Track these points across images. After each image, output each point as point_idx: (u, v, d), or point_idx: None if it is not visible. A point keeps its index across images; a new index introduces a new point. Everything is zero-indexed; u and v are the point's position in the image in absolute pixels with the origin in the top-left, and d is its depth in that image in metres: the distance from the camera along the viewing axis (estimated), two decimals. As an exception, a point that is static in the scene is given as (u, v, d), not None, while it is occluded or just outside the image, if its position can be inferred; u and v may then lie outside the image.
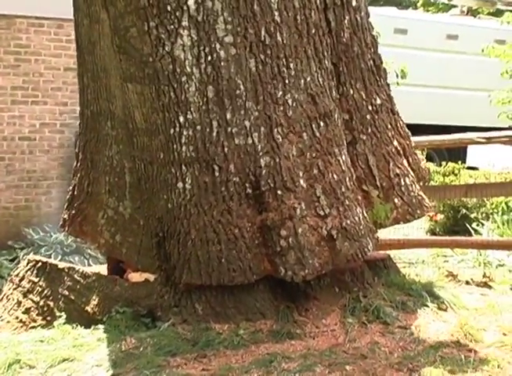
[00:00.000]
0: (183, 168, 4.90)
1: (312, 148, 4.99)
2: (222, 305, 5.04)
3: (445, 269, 7.22)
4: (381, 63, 5.59)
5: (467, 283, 6.56)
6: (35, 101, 12.27)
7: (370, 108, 5.39)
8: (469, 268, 7.49)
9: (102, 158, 5.49)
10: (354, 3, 5.33)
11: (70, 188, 5.92)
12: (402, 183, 5.40)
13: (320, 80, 5.07)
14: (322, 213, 4.95)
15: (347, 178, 5.11)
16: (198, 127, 4.83)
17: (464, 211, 11.64)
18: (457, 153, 16.30)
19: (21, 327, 5.71)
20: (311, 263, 4.86)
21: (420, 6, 31.42)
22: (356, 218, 5.07)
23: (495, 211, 11.23)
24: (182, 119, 4.84)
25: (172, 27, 4.74)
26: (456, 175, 12.72)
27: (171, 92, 4.82)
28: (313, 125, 5.00)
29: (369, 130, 5.37)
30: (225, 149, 4.84)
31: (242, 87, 4.81)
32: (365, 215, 5.20)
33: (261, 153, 4.87)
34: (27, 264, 6.02)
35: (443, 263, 7.93)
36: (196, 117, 4.82)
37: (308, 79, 4.99)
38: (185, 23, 4.72)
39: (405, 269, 6.69)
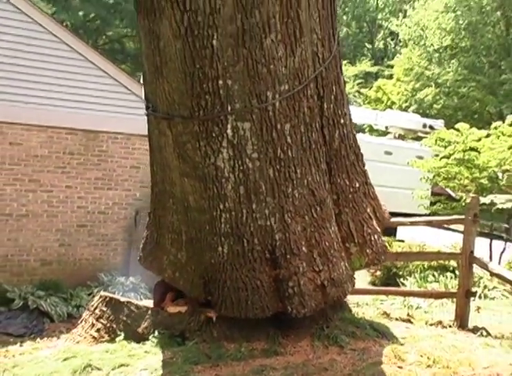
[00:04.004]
0: (222, 238, 4.84)
1: (312, 225, 4.92)
2: (230, 330, 4.98)
3: (381, 309, 7.13)
4: (359, 150, 5.51)
5: (396, 319, 6.47)
6: (109, 187, 12.39)
7: (351, 190, 5.32)
8: (397, 309, 7.42)
9: (166, 221, 5.39)
10: (342, 121, 5.28)
11: (144, 235, 5.81)
12: (372, 239, 5.31)
13: (318, 178, 5.00)
14: (317, 269, 4.88)
15: (335, 243, 5.05)
16: (233, 213, 4.77)
17: (395, 270, 11.64)
18: (390, 231, 16.24)
19: (93, 341, 5.65)
20: (309, 304, 4.81)
21: (366, 131, 31.93)
22: (340, 270, 5.01)
23: (416, 270, 11.22)
24: (221, 206, 4.78)
25: (215, 146, 4.69)
26: (389, 245, 12.69)
27: (214, 189, 4.77)
28: (312, 210, 4.93)
29: (351, 205, 5.30)
30: (251, 228, 4.78)
31: (263, 187, 4.76)
32: (347, 265, 5.12)
33: (276, 231, 4.80)
34: (99, 298, 5.98)
35: (380, 305, 7.85)
36: (232, 205, 4.77)
37: (310, 179, 4.93)
38: (224, 144, 4.68)
39: (355, 308, 6.60)
